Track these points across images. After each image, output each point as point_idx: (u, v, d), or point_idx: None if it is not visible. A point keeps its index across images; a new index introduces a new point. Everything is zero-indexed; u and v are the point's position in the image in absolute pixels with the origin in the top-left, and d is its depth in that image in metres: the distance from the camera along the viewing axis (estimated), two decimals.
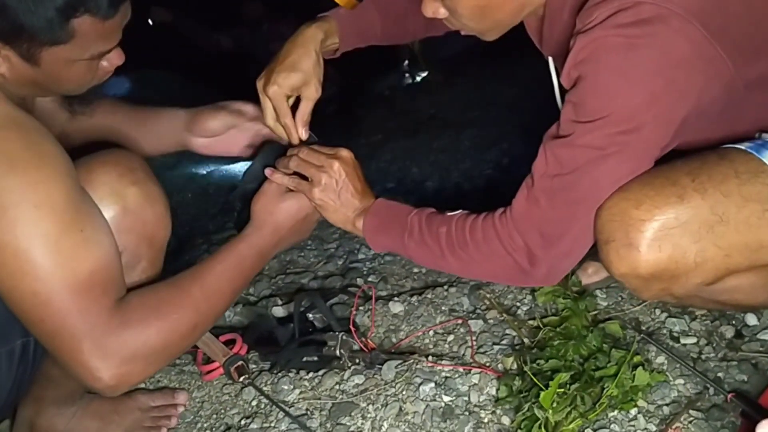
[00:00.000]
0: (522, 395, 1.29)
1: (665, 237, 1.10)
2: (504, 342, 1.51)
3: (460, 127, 2.98)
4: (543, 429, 1.20)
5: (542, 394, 1.21)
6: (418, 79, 3.96)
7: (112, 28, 1.09)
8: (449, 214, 1.30)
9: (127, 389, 1.10)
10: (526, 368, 1.33)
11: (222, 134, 1.43)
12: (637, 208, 1.11)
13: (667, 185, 1.11)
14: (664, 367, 1.34)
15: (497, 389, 1.37)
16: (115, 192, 1.16)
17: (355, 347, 1.52)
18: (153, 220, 1.22)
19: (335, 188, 1.35)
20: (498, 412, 1.33)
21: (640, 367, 1.28)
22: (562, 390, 1.24)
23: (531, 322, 1.53)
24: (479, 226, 1.24)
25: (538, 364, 1.34)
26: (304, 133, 1.41)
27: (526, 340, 1.48)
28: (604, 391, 1.24)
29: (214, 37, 4.19)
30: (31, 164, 1.02)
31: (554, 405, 1.21)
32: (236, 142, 1.45)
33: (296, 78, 1.36)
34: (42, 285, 1.02)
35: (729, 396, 1.17)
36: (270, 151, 1.39)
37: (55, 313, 1.03)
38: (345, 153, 1.39)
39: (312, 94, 1.40)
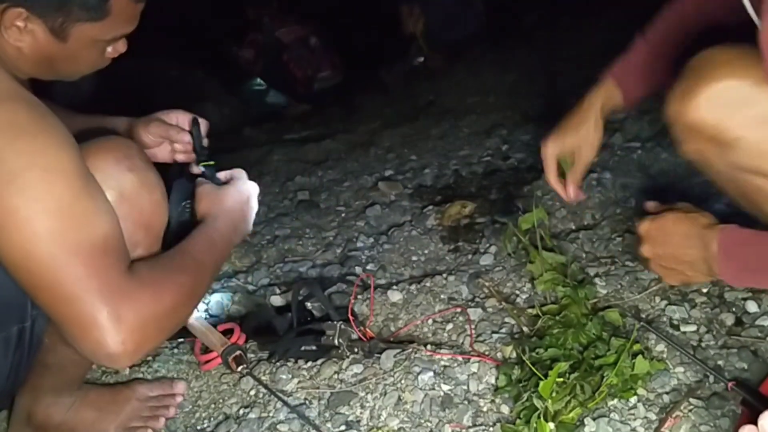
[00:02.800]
0: (521, 384, 1.29)
1: (725, 102, 1.08)
2: (503, 330, 1.50)
3: (459, 114, 2.96)
4: (542, 418, 1.19)
5: (541, 384, 1.21)
6: (417, 64, 3.94)
7: (138, 11, 1.15)
8: None
9: (141, 357, 1.09)
10: (525, 357, 1.33)
11: (155, 146, 1.44)
12: (722, 66, 1.09)
13: (758, 67, 1.02)
14: (664, 356, 1.33)
15: (496, 378, 1.37)
16: (112, 178, 1.14)
17: (354, 336, 1.52)
18: (150, 207, 1.21)
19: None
20: (497, 401, 1.32)
21: (640, 356, 1.27)
22: (562, 379, 1.24)
23: (530, 310, 1.52)
24: None
25: (537, 353, 1.33)
26: (572, 192, 1.51)
27: (525, 329, 1.48)
28: (604, 380, 1.23)
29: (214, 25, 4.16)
30: (39, 131, 1.02)
31: (553, 394, 1.20)
32: (168, 153, 1.46)
33: (570, 141, 1.47)
34: (60, 248, 1.00)
35: (729, 384, 1.16)
36: (177, 193, 1.39)
37: (71, 278, 1.00)
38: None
39: (585, 157, 1.48)
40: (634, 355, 1.28)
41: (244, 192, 1.37)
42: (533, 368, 1.26)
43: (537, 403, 1.20)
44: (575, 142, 1.47)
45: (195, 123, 1.42)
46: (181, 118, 1.44)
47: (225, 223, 1.30)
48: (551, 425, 1.19)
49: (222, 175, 1.41)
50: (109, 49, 1.19)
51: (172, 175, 1.45)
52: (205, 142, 1.43)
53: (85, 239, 1.02)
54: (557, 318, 1.42)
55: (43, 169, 1.00)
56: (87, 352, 1.05)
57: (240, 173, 1.41)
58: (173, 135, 1.42)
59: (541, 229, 1.58)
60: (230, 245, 1.32)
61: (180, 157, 1.44)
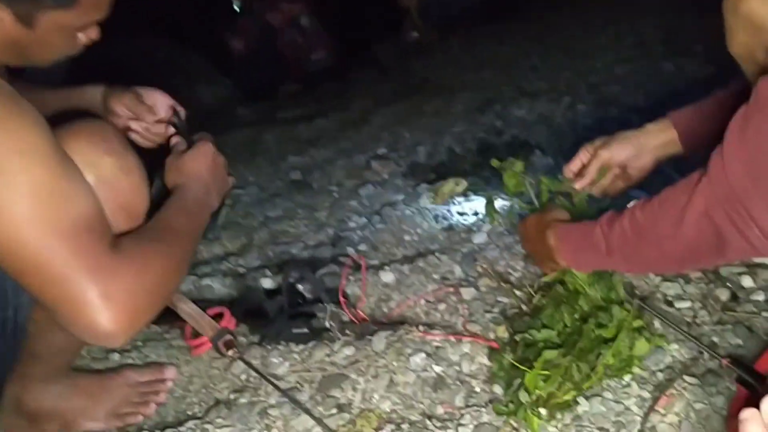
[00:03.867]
0: (513, 371, 1.27)
1: None
2: (496, 310, 1.48)
3: (452, 90, 2.93)
4: (529, 411, 1.18)
5: (527, 376, 1.20)
6: (411, 39, 3.89)
7: None
8: (629, 205, 1.21)
9: (135, 333, 1.06)
10: (518, 337, 1.31)
11: (124, 118, 1.42)
12: None
13: None
14: (659, 332, 1.31)
15: (489, 358, 1.35)
16: (90, 161, 1.12)
17: (345, 318, 1.50)
18: (129, 191, 1.18)
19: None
20: (490, 382, 1.31)
21: (643, 338, 1.24)
22: (554, 354, 1.22)
23: (526, 289, 1.50)
24: (668, 196, 1.12)
25: (531, 335, 1.31)
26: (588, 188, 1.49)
27: (524, 307, 1.45)
28: (600, 359, 1.21)
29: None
30: (11, 114, 0.99)
31: (540, 383, 1.19)
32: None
33: (622, 156, 1.44)
34: (42, 231, 0.98)
35: (724, 362, 1.14)
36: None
37: (57, 259, 0.98)
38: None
39: (628, 179, 1.47)
40: (636, 330, 1.26)
41: (205, 151, 1.34)
42: (520, 366, 1.24)
43: (523, 397, 1.19)
44: (625, 160, 1.44)
45: (176, 114, 1.40)
46: (159, 102, 1.41)
47: (195, 189, 1.28)
48: (543, 411, 1.18)
49: (178, 144, 1.39)
50: (81, 35, 1.17)
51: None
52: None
53: (66, 220, 0.99)
54: (552, 291, 1.39)
55: (18, 152, 0.97)
56: (81, 333, 1.03)
57: (202, 137, 1.38)
58: (140, 114, 1.40)
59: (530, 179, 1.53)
60: (207, 208, 1.30)
61: (136, 138, 1.41)
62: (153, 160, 1.32)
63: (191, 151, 1.34)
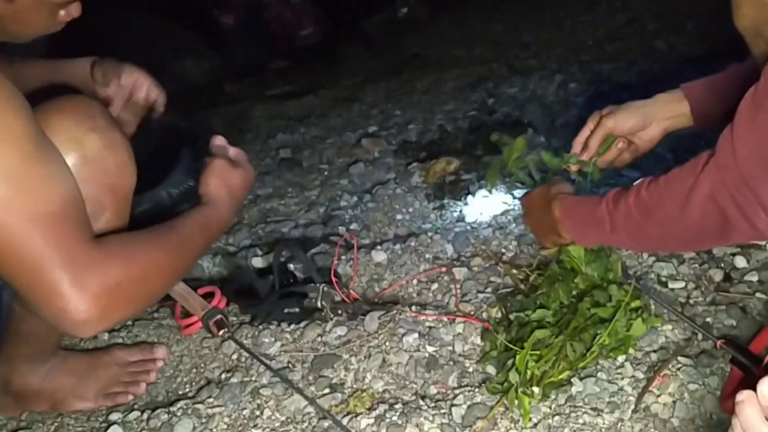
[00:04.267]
0: (505, 351, 1.26)
1: None
2: (488, 290, 1.48)
3: (444, 67, 2.90)
4: (517, 391, 1.18)
5: (517, 356, 1.19)
6: (401, 14, 3.85)
7: None
8: (635, 183, 1.19)
9: (107, 327, 1.05)
10: (511, 317, 1.31)
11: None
12: None
13: None
14: (654, 313, 1.31)
15: (481, 338, 1.35)
16: (73, 139, 1.09)
17: (337, 298, 1.49)
18: (115, 168, 1.15)
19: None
20: (483, 361, 1.31)
21: (639, 319, 1.24)
22: (548, 338, 1.22)
23: (522, 269, 1.49)
24: (675, 177, 1.10)
25: (525, 315, 1.31)
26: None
27: (522, 286, 1.45)
28: (596, 339, 1.21)
29: None
30: None
31: (530, 363, 1.19)
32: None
33: (631, 125, 1.39)
34: (14, 217, 0.95)
35: (719, 342, 1.15)
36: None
37: (29, 246, 0.96)
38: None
39: (635, 150, 1.43)
40: (634, 311, 1.26)
41: (250, 174, 1.33)
42: (510, 345, 1.24)
43: (513, 377, 1.19)
44: (630, 130, 1.40)
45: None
46: (138, 83, 1.38)
47: (228, 208, 1.26)
48: (536, 389, 1.18)
49: (232, 153, 1.34)
50: (62, 12, 1.13)
51: (149, 128, 1.39)
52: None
53: (40, 206, 0.97)
54: (547, 271, 1.39)
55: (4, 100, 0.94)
56: (51, 320, 1.02)
57: (244, 154, 1.36)
58: (109, 86, 1.36)
59: (533, 155, 1.50)
60: (224, 228, 1.30)
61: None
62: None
63: (240, 169, 1.31)
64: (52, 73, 1.36)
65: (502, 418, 1.19)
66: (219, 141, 1.35)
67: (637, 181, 1.17)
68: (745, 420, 0.61)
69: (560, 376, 1.20)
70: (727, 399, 1.08)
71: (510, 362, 1.22)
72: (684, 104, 1.37)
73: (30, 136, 0.98)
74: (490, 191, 1.80)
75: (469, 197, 1.86)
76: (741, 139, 0.98)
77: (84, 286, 0.98)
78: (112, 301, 1.01)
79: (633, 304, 1.26)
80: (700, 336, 1.25)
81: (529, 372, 1.19)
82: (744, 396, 0.63)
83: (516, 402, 1.18)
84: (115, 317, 1.04)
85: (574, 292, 1.33)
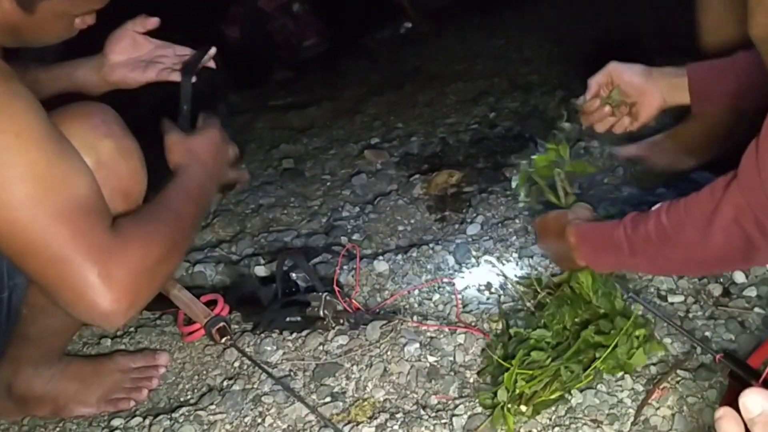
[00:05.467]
0: (499, 367, 1.27)
1: None
2: (490, 301, 1.49)
3: (445, 80, 2.91)
4: (505, 409, 1.19)
5: (505, 374, 1.20)
6: (404, 29, 3.87)
7: None
8: (653, 208, 1.17)
9: (136, 313, 1.07)
10: (512, 331, 1.32)
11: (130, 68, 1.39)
12: None
13: None
14: (652, 326, 1.32)
15: (482, 350, 1.36)
16: (88, 145, 1.11)
17: (339, 307, 1.50)
18: (128, 174, 1.17)
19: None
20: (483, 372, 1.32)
21: (641, 349, 1.23)
22: (543, 361, 1.23)
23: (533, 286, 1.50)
24: (695, 201, 1.07)
25: (525, 331, 1.32)
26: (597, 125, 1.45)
27: (529, 305, 1.44)
28: (594, 363, 1.22)
29: None
30: (5, 96, 0.98)
31: (525, 381, 1.20)
32: (145, 72, 1.40)
33: (637, 84, 1.40)
34: (40, 212, 0.97)
35: (717, 357, 1.15)
36: (189, 65, 1.37)
37: (56, 241, 0.97)
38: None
39: (638, 114, 1.42)
40: (636, 339, 1.25)
41: (213, 138, 1.32)
42: (503, 362, 1.25)
43: (501, 395, 1.20)
44: (640, 89, 1.39)
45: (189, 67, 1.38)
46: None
47: (198, 172, 1.26)
48: (524, 408, 1.18)
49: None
50: (78, 20, 1.16)
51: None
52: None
53: (65, 201, 0.99)
54: (557, 292, 1.38)
55: (14, 134, 0.96)
56: (82, 314, 1.03)
57: (211, 119, 1.36)
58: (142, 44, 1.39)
59: (560, 169, 1.43)
60: (207, 194, 1.28)
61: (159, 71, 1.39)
62: (151, 144, 1.30)
63: (199, 133, 1.32)
64: (62, 78, 1.38)
65: (502, 429, 1.20)
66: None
67: (657, 205, 1.15)
68: None
69: (551, 396, 1.20)
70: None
71: (502, 378, 1.23)
72: (683, 79, 1.37)
73: (50, 133, 1.00)
74: (517, 198, 1.71)
75: (470, 209, 1.87)
76: (767, 159, 0.95)
77: (111, 277, 0.99)
78: (139, 287, 1.02)
79: (638, 332, 1.25)
80: (699, 350, 1.26)
81: (518, 390, 1.20)
82: (722, 412, 0.63)
83: (502, 420, 1.19)
84: (142, 302, 1.05)
85: (577, 319, 1.32)
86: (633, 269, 1.32)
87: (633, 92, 1.40)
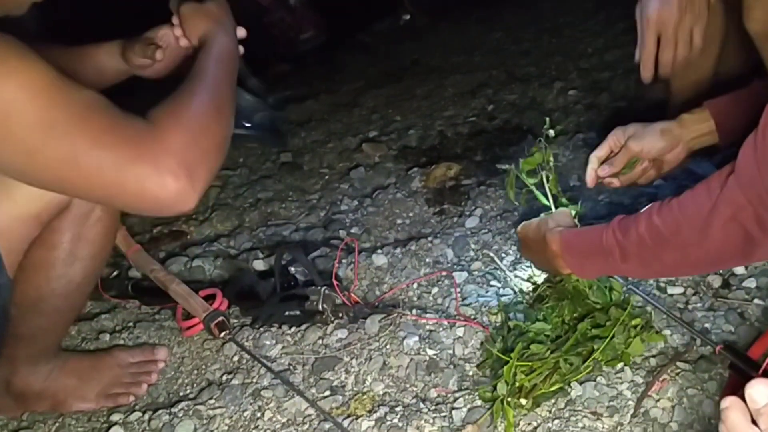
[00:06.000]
0: (498, 360, 1.27)
1: None
2: (489, 294, 1.49)
3: (443, 73, 2.91)
4: (504, 403, 1.19)
5: (504, 368, 1.20)
6: (402, 22, 3.86)
7: None
8: (642, 209, 1.14)
9: (204, 187, 1.03)
10: (511, 324, 1.32)
11: (148, 66, 1.37)
12: None
13: None
14: (649, 316, 1.32)
15: (481, 343, 1.36)
16: None
17: (338, 301, 1.50)
18: None
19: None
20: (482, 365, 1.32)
21: (638, 338, 1.24)
22: (542, 353, 1.23)
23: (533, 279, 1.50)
24: (690, 200, 1.05)
25: (525, 324, 1.32)
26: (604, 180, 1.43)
27: (525, 297, 1.45)
28: (592, 355, 1.22)
29: None
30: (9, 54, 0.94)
31: (525, 375, 1.20)
32: (169, 65, 1.39)
33: (648, 150, 1.38)
34: (68, 125, 0.95)
35: (717, 348, 1.15)
36: None
37: (95, 148, 0.95)
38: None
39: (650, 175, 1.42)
40: (638, 328, 1.26)
41: (216, 5, 1.30)
42: (501, 356, 1.25)
43: (500, 388, 1.20)
44: (662, 151, 1.38)
45: None
46: (167, 37, 1.36)
47: (224, 37, 1.24)
48: (524, 401, 1.18)
49: None
50: None
51: None
52: None
53: (93, 103, 0.98)
54: (557, 286, 1.38)
55: (17, 57, 0.94)
56: (154, 211, 1.02)
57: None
58: (150, 55, 1.34)
59: (546, 171, 1.42)
60: (236, 55, 1.26)
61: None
62: None
63: (207, 3, 1.30)
64: (78, 60, 1.36)
65: (502, 422, 1.20)
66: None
67: (646, 207, 1.13)
68: (732, 425, 0.62)
69: (551, 389, 1.21)
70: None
71: (501, 371, 1.23)
72: (710, 123, 1.35)
73: (46, 63, 0.97)
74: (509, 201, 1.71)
75: (469, 202, 1.87)
76: (767, 153, 0.93)
77: (162, 160, 0.97)
78: (193, 159, 1.00)
79: (633, 322, 1.25)
80: (698, 341, 1.26)
81: (517, 383, 1.20)
82: (728, 402, 0.63)
83: (501, 413, 1.19)
84: (203, 173, 1.02)
85: (576, 314, 1.32)
86: (624, 274, 1.28)
87: (656, 155, 1.39)
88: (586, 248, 1.21)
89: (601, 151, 1.41)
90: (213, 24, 1.26)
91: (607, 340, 1.22)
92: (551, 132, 1.41)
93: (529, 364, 1.21)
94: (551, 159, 1.42)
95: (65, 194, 1.00)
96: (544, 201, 1.42)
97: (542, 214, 1.39)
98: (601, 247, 1.16)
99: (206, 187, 1.04)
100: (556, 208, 1.40)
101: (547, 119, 1.42)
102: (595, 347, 1.22)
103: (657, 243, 1.08)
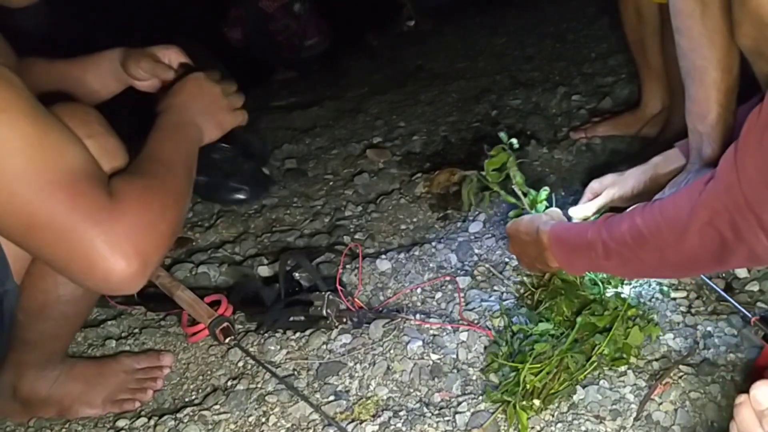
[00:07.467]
0: (509, 360, 1.28)
1: None
2: (492, 298, 1.49)
3: (447, 79, 2.92)
4: (516, 407, 1.19)
5: (521, 371, 1.21)
6: (407, 28, 3.88)
7: None
8: (628, 210, 1.16)
9: (152, 271, 1.04)
10: (515, 328, 1.33)
11: (144, 80, 1.38)
12: None
13: None
14: (654, 322, 1.32)
15: (485, 347, 1.36)
16: None
17: (342, 306, 1.50)
18: (111, 173, 1.16)
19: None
20: (487, 369, 1.32)
21: (636, 327, 1.25)
22: (548, 351, 1.24)
23: (526, 278, 1.51)
24: (671, 203, 1.06)
25: (527, 328, 1.32)
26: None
27: (527, 300, 1.46)
28: (596, 349, 1.22)
29: None
30: None
31: (534, 375, 1.21)
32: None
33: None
34: (39, 184, 0.95)
35: (753, 319, 1.16)
36: None
37: (57, 211, 0.96)
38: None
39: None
40: (630, 319, 1.27)
41: (191, 81, 1.29)
42: (505, 362, 1.27)
43: (512, 392, 1.21)
44: (639, 196, 1.39)
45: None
46: (173, 57, 1.38)
47: (174, 115, 1.22)
48: (536, 402, 1.19)
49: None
50: None
51: None
52: None
53: (63, 170, 0.97)
54: (550, 285, 1.40)
55: (1, 110, 0.94)
56: (100, 284, 1.01)
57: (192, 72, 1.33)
58: (160, 74, 1.36)
59: (512, 171, 1.44)
60: (190, 133, 1.23)
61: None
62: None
63: (176, 84, 1.29)
64: (80, 69, 1.37)
65: (504, 425, 1.20)
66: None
67: (631, 207, 1.15)
68: (741, 422, 0.63)
69: (561, 388, 1.21)
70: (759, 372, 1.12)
71: (511, 375, 1.24)
72: (681, 162, 1.38)
73: (37, 107, 0.98)
74: (468, 210, 1.79)
75: (472, 207, 1.87)
76: (746, 161, 0.93)
77: (119, 242, 0.97)
78: (147, 243, 1.00)
79: (629, 313, 1.27)
80: (701, 344, 1.26)
81: (529, 386, 1.21)
82: (742, 399, 0.64)
83: (515, 418, 1.19)
84: (155, 259, 1.03)
85: (575, 309, 1.34)
86: (606, 271, 1.30)
87: (633, 199, 1.40)
88: (573, 243, 1.24)
89: (579, 209, 1.42)
90: (165, 106, 1.24)
91: (611, 334, 1.23)
92: (514, 141, 1.44)
93: (537, 366, 1.22)
94: (514, 161, 1.44)
95: (11, 233, 1.00)
96: (510, 199, 1.45)
97: (510, 213, 1.45)
98: (586, 242, 1.19)
99: (154, 272, 1.05)
100: (531, 204, 1.44)
101: (502, 134, 1.46)
102: (597, 343, 1.24)
103: (637, 242, 1.09)
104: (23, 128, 0.95)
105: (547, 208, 1.43)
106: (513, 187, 1.45)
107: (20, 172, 0.94)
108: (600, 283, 1.35)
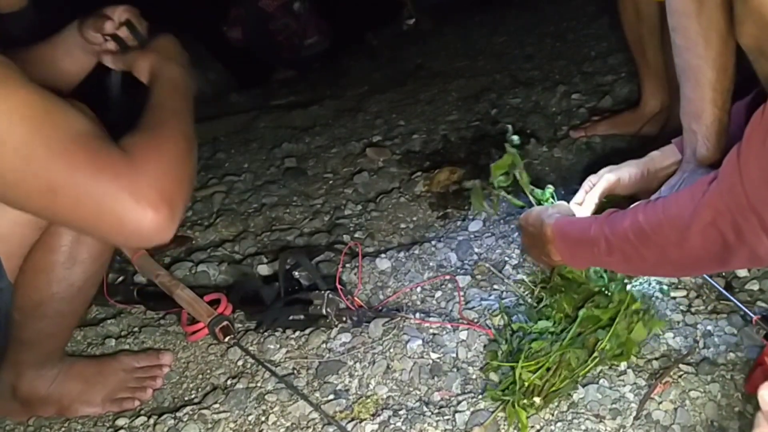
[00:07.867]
0: (507, 361, 1.28)
1: None
2: (492, 297, 1.49)
3: (447, 78, 2.92)
4: (515, 406, 1.19)
5: (516, 370, 1.21)
6: (407, 27, 3.88)
7: None
8: (632, 206, 1.16)
9: (180, 219, 1.03)
10: (514, 326, 1.33)
11: (98, 42, 1.37)
12: None
13: None
14: (656, 318, 1.32)
15: (485, 346, 1.36)
16: None
17: (342, 305, 1.50)
18: None
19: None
20: (486, 368, 1.32)
21: (640, 322, 1.25)
22: (546, 347, 1.24)
23: (526, 277, 1.51)
24: (674, 202, 1.06)
25: (527, 325, 1.32)
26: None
27: (527, 299, 1.46)
28: (598, 345, 1.22)
29: None
30: None
31: (533, 373, 1.20)
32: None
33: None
34: (50, 151, 0.95)
35: (754, 318, 1.16)
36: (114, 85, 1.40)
37: (78, 173, 0.95)
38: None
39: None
40: (634, 313, 1.27)
41: (168, 38, 1.31)
42: (504, 363, 1.26)
43: (510, 390, 1.21)
44: (636, 188, 1.39)
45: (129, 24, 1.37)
46: (119, 13, 1.36)
47: (172, 68, 1.23)
48: (537, 399, 1.19)
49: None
50: None
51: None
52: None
53: (74, 132, 0.97)
54: (550, 284, 1.40)
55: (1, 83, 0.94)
56: (132, 238, 1.01)
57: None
58: (101, 26, 1.34)
59: (518, 171, 1.44)
60: (188, 84, 1.24)
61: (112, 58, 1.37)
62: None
63: (153, 42, 1.30)
64: (50, 50, 1.37)
65: (504, 424, 1.20)
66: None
67: (635, 204, 1.15)
68: None
69: (562, 385, 1.21)
70: (754, 379, 1.11)
71: (510, 373, 1.24)
72: (677, 157, 1.38)
73: (33, 83, 0.98)
74: (477, 215, 1.80)
75: (472, 206, 1.87)
76: (749, 162, 0.92)
77: (144, 193, 0.97)
78: (173, 191, 1.00)
79: (633, 306, 1.27)
80: (701, 343, 1.26)
81: (527, 383, 1.21)
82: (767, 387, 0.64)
83: (515, 417, 1.19)
84: (181, 204, 1.03)
85: (575, 305, 1.33)
86: (608, 267, 1.29)
87: (631, 186, 1.40)
88: (576, 237, 1.24)
89: (578, 199, 1.42)
90: (158, 60, 1.25)
91: (614, 326, 1.23)
92: (515, 138, 1.44)
93: (534, 362, 1.22)
94: (520, 161, 1.44)
95: (51, 222, 0.99)
96: (517, 203, 1.47)
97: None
98: (589, 237, 1.18)
99: (182, 218, 1.04)
100: (537, 202, 1.43)
101: (509, 126, 1.46)
102: (599, 338, 1.23)
103: (639, 239, 1.09)
104: (26, 97, 0.95)
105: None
106: (521, 182, 1.44)
107: (33, 136, 0.94)
108: (605, 275, 1.34)
